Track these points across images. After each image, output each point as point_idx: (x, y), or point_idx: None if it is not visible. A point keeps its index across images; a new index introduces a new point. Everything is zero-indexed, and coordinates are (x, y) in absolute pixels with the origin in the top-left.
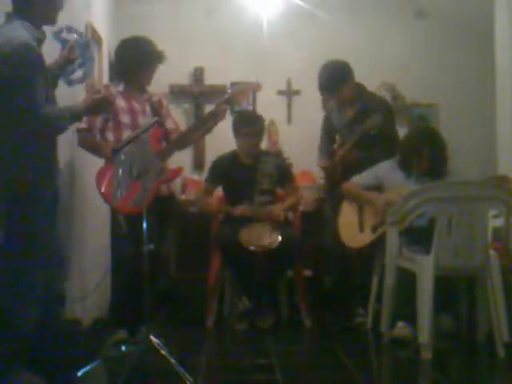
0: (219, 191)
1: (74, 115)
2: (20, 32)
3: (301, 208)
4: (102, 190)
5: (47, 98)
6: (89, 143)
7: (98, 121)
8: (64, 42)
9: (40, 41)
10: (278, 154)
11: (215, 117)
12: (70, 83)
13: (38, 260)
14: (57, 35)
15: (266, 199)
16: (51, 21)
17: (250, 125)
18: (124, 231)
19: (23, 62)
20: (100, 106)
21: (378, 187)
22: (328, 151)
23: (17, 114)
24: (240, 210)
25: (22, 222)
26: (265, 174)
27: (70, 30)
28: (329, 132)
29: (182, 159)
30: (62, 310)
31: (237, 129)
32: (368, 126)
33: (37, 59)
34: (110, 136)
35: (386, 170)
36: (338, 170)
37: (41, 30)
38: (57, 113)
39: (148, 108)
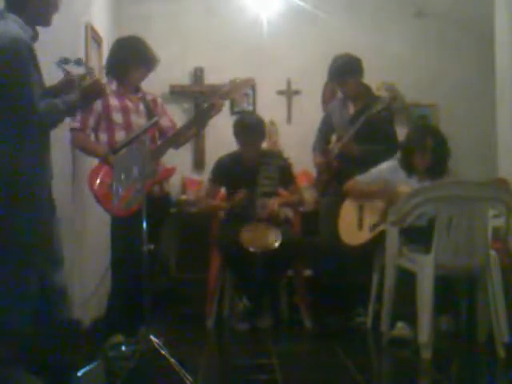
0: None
1: (69, 106)
2: (11, 27)
3: (301, 208)
4: (95, 189)
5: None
6: (82, 143)
7: (91, 120)
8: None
9: (33, 39)
10: (279, 155)
11: (210, 111)
12: None
13: (28, 260)
14: (60, 65)
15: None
16: (45, 21)
17: (249, 133)
18: (122, 232)
19: (15, 57)
20: (93, 91)
21: None
22: (322, 149)
23: (12, 109)
24: (240, 195)
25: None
26: (267, 176)
27: (78, 63)
28: (325, 132)
29: (182, 159)
30: (64, 306)
31: (237, 134)
32: (374, 110)
33: (29, 53)
34: (104, 135)
35: (387, 170)
36: (334, 166)
37: (34, 29)
38: (51, 106)
39: (142, 107)
